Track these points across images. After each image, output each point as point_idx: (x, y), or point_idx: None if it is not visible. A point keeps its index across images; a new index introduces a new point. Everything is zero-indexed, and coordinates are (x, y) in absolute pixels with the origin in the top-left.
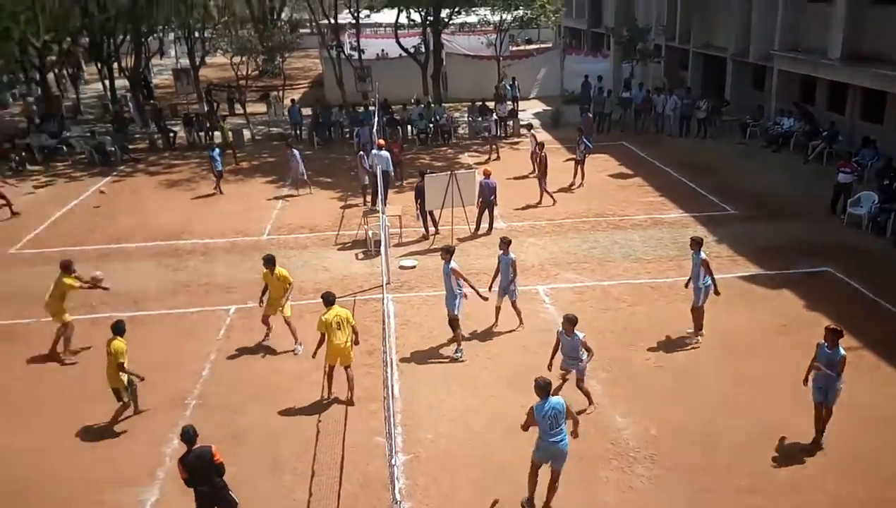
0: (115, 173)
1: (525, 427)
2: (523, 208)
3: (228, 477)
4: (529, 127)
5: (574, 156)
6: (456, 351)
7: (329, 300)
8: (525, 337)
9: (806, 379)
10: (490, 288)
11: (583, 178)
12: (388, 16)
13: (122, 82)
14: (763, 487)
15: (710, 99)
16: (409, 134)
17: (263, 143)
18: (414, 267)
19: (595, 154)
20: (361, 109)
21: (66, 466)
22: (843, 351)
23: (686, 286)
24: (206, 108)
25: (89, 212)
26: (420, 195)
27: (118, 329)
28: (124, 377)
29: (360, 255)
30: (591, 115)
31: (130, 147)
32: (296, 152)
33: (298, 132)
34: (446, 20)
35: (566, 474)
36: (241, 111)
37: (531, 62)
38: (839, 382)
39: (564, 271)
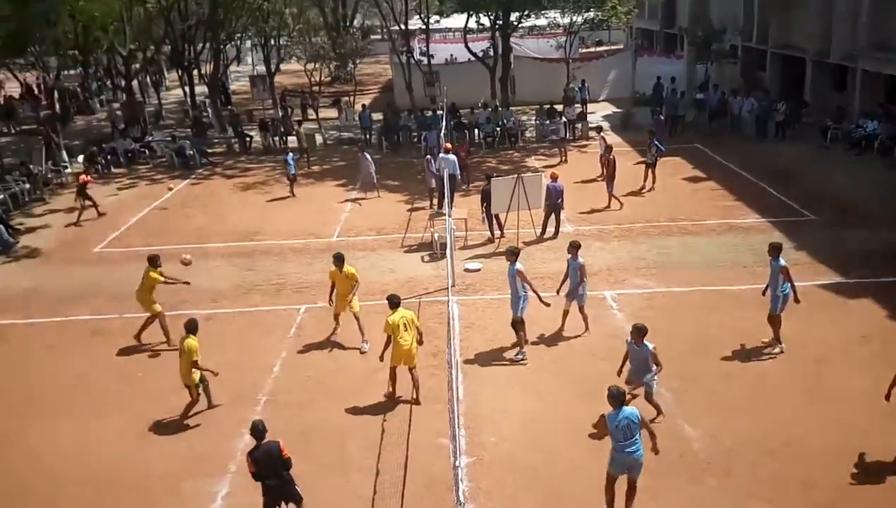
0: (193, 176)
1: (599, 437)
2: (589, 212)
3: (296, 473)
4: (599, 129)
5: (645, 160)
6: (517, 354)
7: (394, 302)
8: (591, 343)
9: (888, 394)
10: (558, 292)
11: (654, 182)
12: (457, 21)
13: (201, 88)
14: (840, 504)
15: (789, 100)
16: (476, 137)
17: (334, 148)
18: (479, 270)
19: (667, 157)
20: (429, 113)
21: (143, 458)
22: None
23: (763, 293)
24: (280, 114)
25: (169, 212)
26: (486, 198)
27: (191, 327)
28: (196, 374)
29: (426, 258)
30: (662, 118)
31: (209, 151)
32: (367, 156)
33: (368, 136)
34: (515, 23)
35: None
36: (314, 116)
37: (601, 64)
38: None
39: (633, 276)
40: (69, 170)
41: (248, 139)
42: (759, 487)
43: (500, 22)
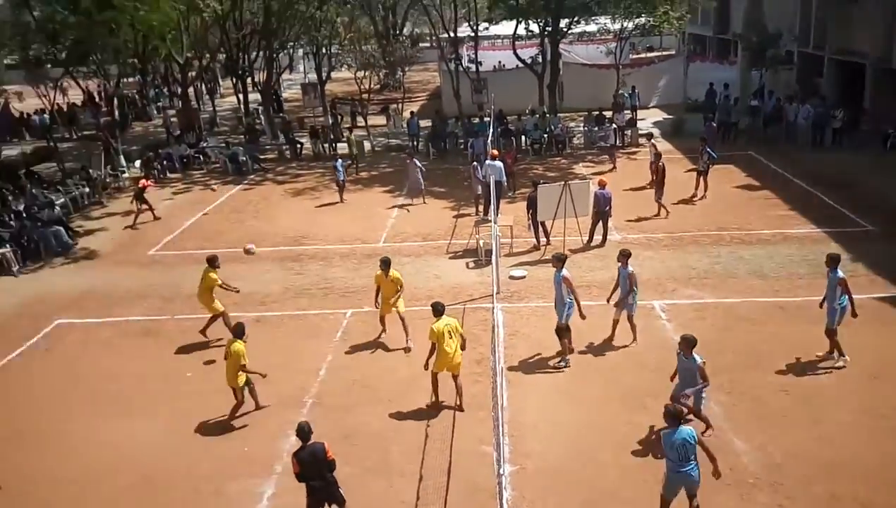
0: (246, 181)
1: (658, 456)
2: (637, 220)
3: (339, 476)
4: (650, 136)
5: (696, 167)
6: (560, 361)
7: (438, 310)
8: (639, 354)
9: None
10: (608, 300)
11: (706, 190)
12: (506, 28)
13: (254, 96)
14: None
15: (847, 107)
16: (523, 144)
17: (382, 154)
18: (524, 277)
19: (720, 164)
20: (476, 120)
21: (190, 458)
22: None
23: (821, 306)
24: (330, 121)
25: (222, 216)
26: (532, 205)
27: (238, 332)
28: (241, 377)
29: (471, 264)
30: (714, 124)
31: (261, 157)
32: (416, 162)
33: (416, 143)
34: (565, 30)
35: (681, 499)
36: (363, 123)
37: (652, 70)
38: None
39: (683, 286)
40: (127, 175)
41: (298, 146)
42: (812, 505)
43: (550, 28)
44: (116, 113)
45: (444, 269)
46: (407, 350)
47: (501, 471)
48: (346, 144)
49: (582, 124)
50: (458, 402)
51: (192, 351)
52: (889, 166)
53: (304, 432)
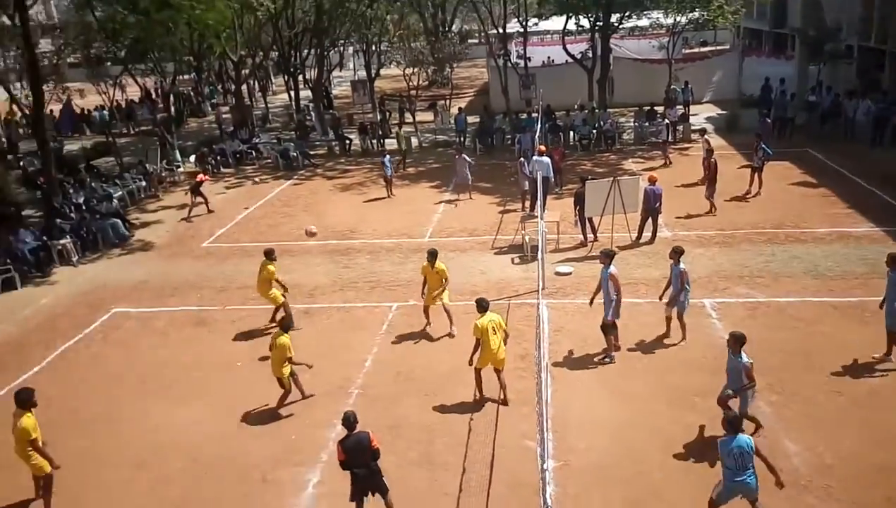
0: (296, 176)
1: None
2: (687, 217)
3: (382, 466)
4: (703, 132)
5: (751, 163)
6: (605, 357)
7: (483, 306)
8: (687, 353)
9: None
10: (661, 298)
11: (760, 187)
12: (555, 23)
13: (305, 93)
14: None
15: None
16: (571, 140)
17: (429, 150)
18: (570, 273)
19: (775, 161)
20: (524, 116)
21: (239, 445)
22: None
23: (881, 306)
24: (378, 118)
25: (274, 210)
26: (579, 201)
27: (285, 326)
28: (287, 368)
29: (517, 260)
30: (769, 120)
31: (311, 153)
32: (466, 157)
33: (463, 139)
34: (616, 25)
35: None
36: (411, 120)
37: (706, 65)
38: None
39: (735, 285)
40: (182, 170)
41: (347, 142)
42: None
43: (601, 23)
44: (172, 109)
45: (489, 265)
46: (451, 335)
47: (545, 466)
48: (394, 140)
49: (632, 120)
50: (501, 396)
51: (242, 340)
52: None
53: (349, 421)
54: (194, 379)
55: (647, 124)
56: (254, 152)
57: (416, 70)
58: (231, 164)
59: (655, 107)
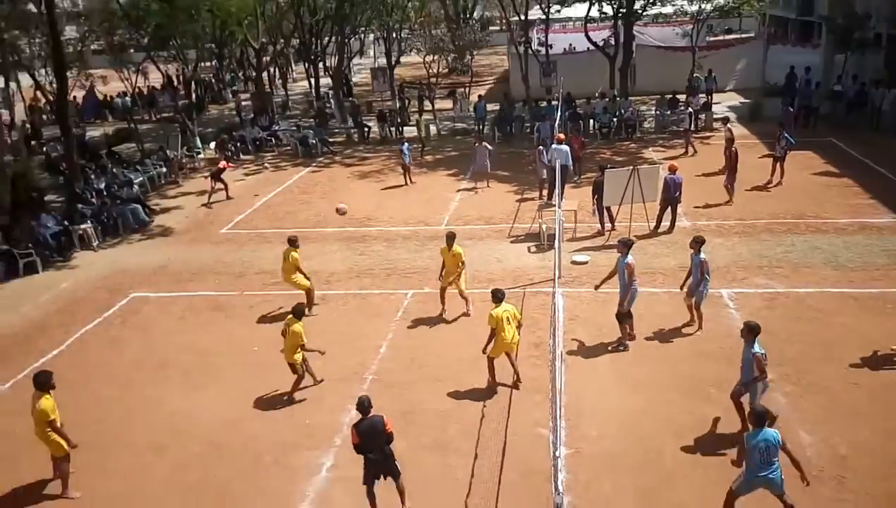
0: (315, 164)
1: (738, 463)
2: (705, 206)
3: (396, 451)
4: (726, 120)
5: (773, 153)
6: (619, 346)
7: (498, 297)
8: (702, 343)
9: None
10: (681, 288)
11: (782, 176)
12: (578, 10)
13: (325, 81)
14: None
15: None
16: (591, 128)
17: (448, 138)
18: (586, 262)
19: (798, 150)
20: (544, 104)
21: (254, 428)
22: None
23: None
24: (398, 105)
25: (293, 197)
26: (598, 190)
27: (297, 312)
28: (299, 354)
29: (533, 249)
30: (792, 109)
31: (330, 140)
32: (486, 145)
33: (482, 127)
34: (640, 12)
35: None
36: (430, 107)
37: (730, 53)
38: None
39: (754, 275)
40: (202, 156)
41: (366, 129)
42: (878, 502)
43: (624, 10)
44: (193, 96)
45: (505, 253)
46: (467, 314)
47: (557, 454)
48: (413, 128)
49: (654, 108)
50: (514, 379)
51: (259, 325)
52: None
53: (363, 405)
54: (211, 363)
55: (668, 112)
56: (273, 139)
57: (436, 57)
58: (251, 151)
59: (678, 96)
